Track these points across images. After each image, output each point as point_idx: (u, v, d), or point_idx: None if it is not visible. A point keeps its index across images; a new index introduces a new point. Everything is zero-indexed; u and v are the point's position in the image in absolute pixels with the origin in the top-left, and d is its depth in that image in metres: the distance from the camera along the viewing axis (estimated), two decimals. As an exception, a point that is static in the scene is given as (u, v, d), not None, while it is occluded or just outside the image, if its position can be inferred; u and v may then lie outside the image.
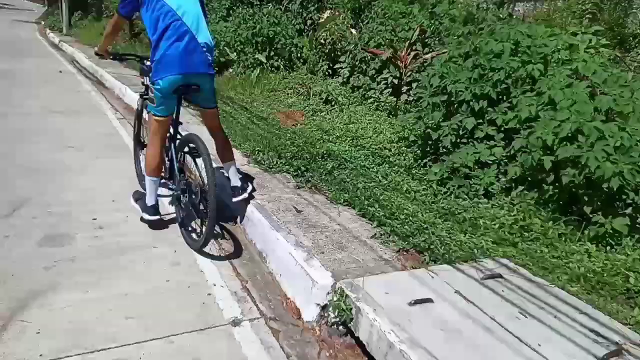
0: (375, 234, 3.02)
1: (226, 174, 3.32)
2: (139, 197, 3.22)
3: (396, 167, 4.53)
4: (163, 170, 3.17)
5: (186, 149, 3.03)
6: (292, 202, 3.45)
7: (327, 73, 8.32)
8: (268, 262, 2.87)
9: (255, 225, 3.12)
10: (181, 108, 3.11)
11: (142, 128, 3.80)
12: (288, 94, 7.78)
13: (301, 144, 4.99)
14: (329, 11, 9.50)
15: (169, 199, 3.29)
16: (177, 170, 3.06)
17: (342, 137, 5.47)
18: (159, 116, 2.93)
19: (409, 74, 6.18)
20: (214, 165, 2.78)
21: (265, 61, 8.58)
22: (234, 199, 3.26)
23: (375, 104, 6.66)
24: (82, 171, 4.11)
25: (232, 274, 2.75)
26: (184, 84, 2.80)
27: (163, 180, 3.27)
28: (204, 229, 2.75)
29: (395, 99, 6.55)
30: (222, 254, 2.97)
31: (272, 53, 8.72)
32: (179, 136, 3.16)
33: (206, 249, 2.89)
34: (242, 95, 7.82)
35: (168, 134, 3.10)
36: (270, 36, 8.69)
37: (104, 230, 3.07)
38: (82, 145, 4.83)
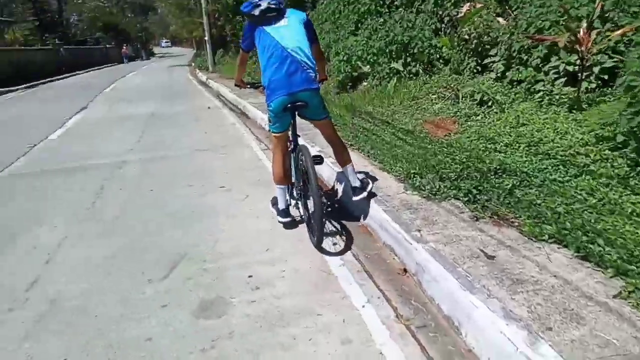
0: (621, 291, 2.06)
1: (346, 175, 3.53)
2: (275, 202, 3.64)
3: (604, 179, 3.39)
4: (289, 178, 3.53)
5: (301, 157, 3.23)
6: (475, 242, 2.66)
7: (475, 70, 7.26)
8: (464, 334, 2.12)
9: (435, 280, 2.40)
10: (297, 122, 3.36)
11: None
12: (432, 100, 6.95)
13: (464, 159, 4.14)
14: (467, 4, 8.43)
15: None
16: (295, 175, 3.49)
17: (513, 144, 4.45)
18: (276, 132, 3.33)
19: (590, 58, 4.87)
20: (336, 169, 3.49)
21: (402, 69, 7.88)
22: (354, 198, 3.48)
23: (547, 97, 5.43)
24: (233, 215, 3.88)
25: (418, 351, 2.07)
26: (292, 102, 3.08)
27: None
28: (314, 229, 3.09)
29: (574, 89, 5.25)
30: (404, 324, 2.31)
31: (408, 59, 7.98)
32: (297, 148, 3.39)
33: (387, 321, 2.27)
34: (381, 109, 7.22)
35: (289, 147, 3.47)
36: (405, 42, 7.97)
37: (260, 291, 2.66)
38: (230, 183, 4.70)
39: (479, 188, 3.50)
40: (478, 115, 5.78)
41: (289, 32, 3.04)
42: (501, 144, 4.52)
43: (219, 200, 4.25)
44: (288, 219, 3.53)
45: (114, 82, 18.52)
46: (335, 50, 9.94)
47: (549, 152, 4.06)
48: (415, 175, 3.91)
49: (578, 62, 5.11)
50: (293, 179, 3.56)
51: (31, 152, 6.65)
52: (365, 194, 3.42)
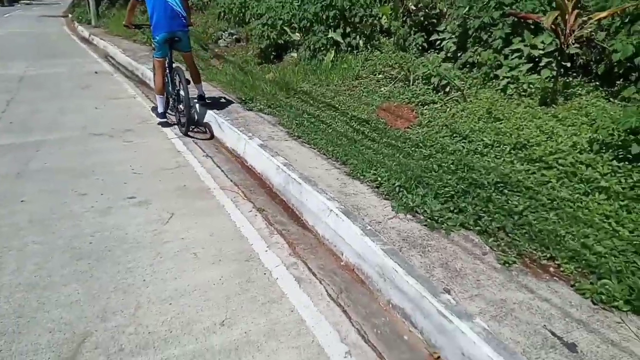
0: None
1: (197, 89, 5.43)
2: (155, 108, 5.34)
3: (625, 200, 2.92)
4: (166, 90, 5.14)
5: (175, 75, 4.97)
6: (534, 314, 1.96)
7: (421, 48, 6.62)
8: None
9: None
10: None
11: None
12: (379, 81, 6.19)
13: (451, 166, 3.45)
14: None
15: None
16: (170, 88, 5.10)
17: (494, 145, 3.88)
18: (159, 58, 4.95)
19: (569, 43, 4.43)
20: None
21: (341, 40, 6.96)
22: (197, 104, 5.43)
23: (512, 86, 4.96)
24: (157, 252, 2.77)
25: None
26: (171, 37, 4.80)
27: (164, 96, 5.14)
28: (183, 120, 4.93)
29: (538, 78, 4.83)
30: None
31: (348, 29, 7.07)
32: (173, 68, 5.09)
33: None
34: (320, 87, 6.29)
35: (167, 68, 5.04)
36: (345, 7, 7.03)
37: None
38: (145, 193, 3.51)
39: (485, 210, 2.84)
40: (437, 103, 5.15)
41: None
42: (480, 144, 3.92)
43: (131, 223, 3.07)
44: (164, 119, 5.18)
45: (-35, 30, 14.93)
46: (256, 12, 8.67)
47: (543, 158, 3.52)
48: (402, 190, 3.13)
49: (554, 46, 4.68)
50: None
51: None
52: (202, 101, 5.44)
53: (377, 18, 7.27)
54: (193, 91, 5.28)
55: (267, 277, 2.53)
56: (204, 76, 7.43)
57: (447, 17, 6.76)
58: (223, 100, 5.83)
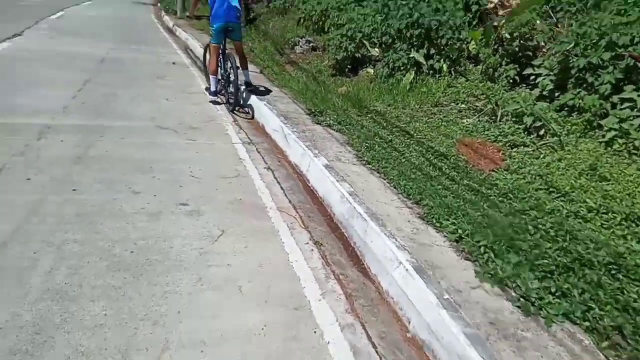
0: None
1: (244, 75, 5.89)
2: (208, 87, 5.98)
3: None
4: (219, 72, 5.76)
5: (228, 60, 5.66)
6: None
7: (512, 81, 6.00)
8: None
9: None
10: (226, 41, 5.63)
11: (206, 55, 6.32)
12: (461, 111, 5.64)
13: (549, 230, 2.87)
14: (505, -6, 7.14)
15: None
16: (222, 71, 5.82)
17: (600, 210, 3.24)
18: (214, 44, 5.60)
19: None
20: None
21: (424, 62, 6.46)
22: (242, 88, 5.88)
23: (620, 141, 4.27)
24: (200, 276, 2.43)
25: None
26: (226, 27, 5.47)
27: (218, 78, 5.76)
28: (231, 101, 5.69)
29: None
30: None
31: (432, 51, 6.57)
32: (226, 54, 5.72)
33: None
34: (394, 109, 5.83)
35: (220, 54, 5.68)
36: (433, 27, 6.54)
37: None
38: (199, 201, 3.21)
39: (594, 298, 2.26)
40: (528, 146, 4.54)
41: None
42: (583, 206, 3.29)
43: (178, 234, 2.76)
44: (216, 98, 5.82)
45: (64, 9, 15.74)
46: (337, 22, 8.36)
47: (665, 238, 2.87)
48: (488, 251, 2.60)
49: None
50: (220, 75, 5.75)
51: None
52: (249, 87, 5.91)
53: (465, 42, 6.72)
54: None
55: (318, 339, 2.11)
56: (276, 81, 7.21)
57: (545, 51, 6.11)
58: (291, 109, 5.52)
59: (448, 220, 3.00)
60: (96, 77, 6.46)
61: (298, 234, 2.99)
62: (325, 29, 8.78)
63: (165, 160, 3.81)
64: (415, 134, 4.92)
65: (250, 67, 8.47)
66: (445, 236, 2.87)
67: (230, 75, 5.61)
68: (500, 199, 3.41)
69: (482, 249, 2.63)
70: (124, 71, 7.16)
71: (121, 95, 5.69)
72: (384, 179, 3.74)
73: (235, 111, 5.63)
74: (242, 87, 5.90)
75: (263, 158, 4.25)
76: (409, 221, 3.04)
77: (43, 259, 2.34)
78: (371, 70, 7.18)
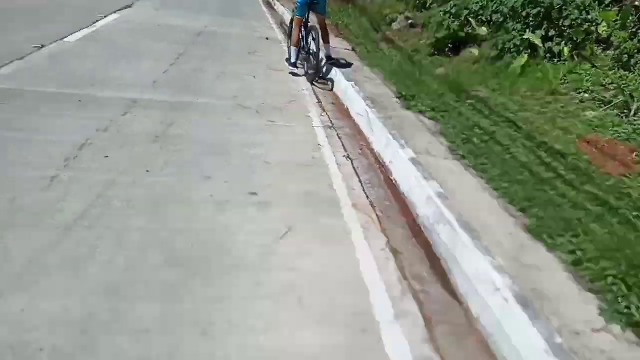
0: None
1: (326, 49, 5.82)
2: (289, 58, 5.99)
3: None
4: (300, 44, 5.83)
5: (310, 33, 5.64)
6: None
7: (652, 69, 4.92)
8: None
9: None
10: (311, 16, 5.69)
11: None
12: (583, 102, 4.76)
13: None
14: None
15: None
16: (305, 43, 5.83)
17: None
18: (299, 16, 5.67)
19: None
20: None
21: (540, 44, 5.56)
22: (325, 61, 5.85)
23: None
24: (258, 280, 2.17)
25: None
26: (311, 0, 5.52)
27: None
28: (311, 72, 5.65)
29: None
30: None
31: (551, 32, 5.63)
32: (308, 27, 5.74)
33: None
34: (501, 96, 5.10)
35: (303, 26, 5.71)
36: (555, 6, 5.58)
37: None
38: (269, 191, 2.95)
39: None
40: (671, 150, 3.65)
41: None
42: None
43: (243, 228, 2.52)
44: (295, 69, 5.85)
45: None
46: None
47: None
48: (617, 283, 2.02)
49: None
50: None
51: (30, 57, 5.02)
52: (330, 60, 5.87)
53: (594, 24, 5.66)
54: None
55: (385, 378, 1.74)
56: (366, 60, 6.74)
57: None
58: (380, 91, 5.06)
59: (564, 236, 2.42)
60: (190, 51, 6.50)
61: (373, 238, 2.60)
62: (427, 5, 8.05)
63: (242, 143, 3.61)
64: (524, 126, 4.22)
65: (343, 44, 8.09)
66: (559, 257, 2.30)
67: (312, 48, 5.56)
68: (635, 213, 2.71)
69: (609, 279, 2.05)
70: (217, 45, 7.17)
71: (210, 70, 5.63)
72: (482, 179, 3.19)
73: (314, 82, 5.60)
74: (324, 61, 5.90)
75: (343, 145, 3.89)
76: (511, 234, 2.51)
77: (103, 248, 2.22)
78: (476, 51, 6.41)
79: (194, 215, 2.57)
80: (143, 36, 7.03)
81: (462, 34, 6.71)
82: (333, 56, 6.01)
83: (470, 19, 6.50)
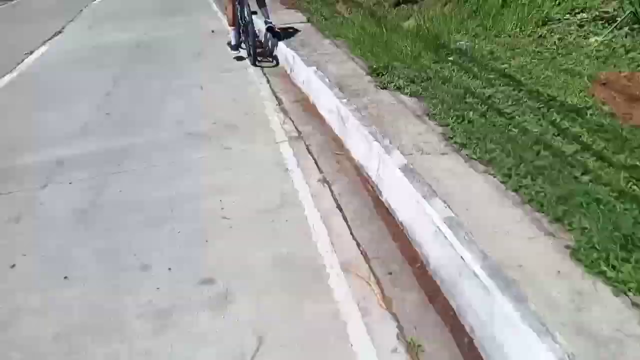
0: None
1: (261, 18, 5.31)
2: (229, 41, 5.46)
3: None
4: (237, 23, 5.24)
5: (244, 8, 4.99)
6: None
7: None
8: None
9: None
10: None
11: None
12: (583, 26, 3.91)
13: None
14: None
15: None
16: (241, 20, 5.17)
17: None
18: None
19: None
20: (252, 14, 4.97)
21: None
22: (266, 34, 5.53)
23: None
24: None
25: None
26: None
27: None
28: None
29: None
30: None
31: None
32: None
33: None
34: (485, 41, 4.26)
35: (237, 2, 5.09)
36: None
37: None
38: (229, 270, 2.25)
39: None
40: None
41: None
42: None
43: (194, 358, 1.81)
44: (237, 52, 5.40)
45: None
46: None
47: None
48: None
49: None
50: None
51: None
52: (276, 31, 5.31)
53: None
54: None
55: None
56: (326, 31, 5.83)
57: None
58: (347, 70, 4.23)
59: (629, 261, 1.70)
60: (126, 72, 5.62)
61: (377, 322, 1.87)
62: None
63: (190, 196, 2.84)
64: (523, 79, 3.41)
65: (297, 15, 7.11)
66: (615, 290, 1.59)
67: (250, 24, 4.93)
68: None
69: None
70: (158, 55, 6.25)
71: (151, 90, 4.79)
72: (494, 176, 2.44)
73: (257, 63, 5.14)
74: (267, 35, 5.56)
75: (316, 162, 3.11)
76: (559, 272, 1.79)
77: None
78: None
79: (124, 349, 1.85)
80: (75, 66, 6.11)
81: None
82: (299, 35, 5.62)
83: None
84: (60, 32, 8.52)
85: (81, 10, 10.84)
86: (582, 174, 2.28)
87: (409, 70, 3.96)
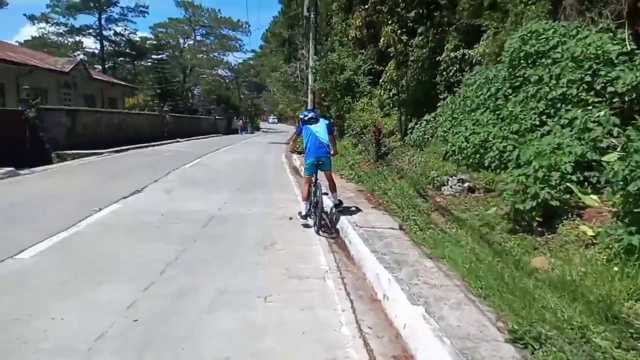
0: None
1: (331, 197, 6.48)
2: (300, 211, 6.18)
3: None
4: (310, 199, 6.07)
5: (317, 189, 6.01)
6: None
7: None
8: None
9: None
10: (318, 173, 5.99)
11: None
12: None
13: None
14: None
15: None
16: (314, 197, 6.00)
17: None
18: (308, 175, 6.10)
19: None
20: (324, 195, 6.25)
21: None
22: (334, 209, 6.39)
23: None
24: None
25: None
26: (317, 161, 6.02)
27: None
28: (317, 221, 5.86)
29: None
30: None
31: None
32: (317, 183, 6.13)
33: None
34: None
35: (313, 184, 6.06)
36: None
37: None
38: None
39: None
40: None
41: (319, 129, 6.04)
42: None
43: None
44: (305, 220, 6.04)
45: (203, 156, 16.06)
46: (513, 157, 5.66)
47: None
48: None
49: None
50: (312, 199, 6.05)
51: None
52: (339, 208, 6.36)
53: None
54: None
55: None
56: (423, 246, 4.64)
57: None
58: (470, 326, 2.80)
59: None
60: (187, 254, 4.67)
61: None
62: (486, 165, 6.23)
63: None
64: None
65: (386, 217, 6.14)
66: None
67: (319, 202, 5.95)
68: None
69: None
70: (227, 238, 5.36)
71: (203, 292, 3.65)
72: None
73: (320, 232, 5.70)
74: (333, 210, 6.47)
75: None
76: None
77: None
78: (588, 229, 4.23)
79: None
80: (135, 235, 5.33)
81: (555, 203, 4.63)
82: (340, 203, 6.49)
83: (570, 185, 4.49)
84: (139, 191, 8.26)
85: (168, 173, 10.98)
86: None
87: (574, 348, 2.47)
